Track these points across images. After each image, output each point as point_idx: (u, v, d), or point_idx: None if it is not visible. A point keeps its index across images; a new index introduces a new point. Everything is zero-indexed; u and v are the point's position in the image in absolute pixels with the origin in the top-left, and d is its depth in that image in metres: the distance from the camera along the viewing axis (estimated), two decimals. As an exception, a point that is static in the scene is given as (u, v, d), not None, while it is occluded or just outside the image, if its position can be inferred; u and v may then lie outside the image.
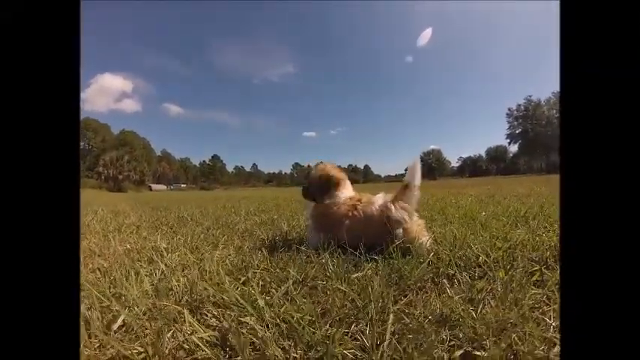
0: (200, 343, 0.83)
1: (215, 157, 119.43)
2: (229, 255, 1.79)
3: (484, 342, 0.81)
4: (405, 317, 0.96)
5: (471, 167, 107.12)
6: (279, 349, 0.81)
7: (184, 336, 0.89)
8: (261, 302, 1.03)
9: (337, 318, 0.97)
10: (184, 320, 0.95)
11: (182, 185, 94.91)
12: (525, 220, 2.60)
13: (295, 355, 0.80)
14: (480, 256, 1.49)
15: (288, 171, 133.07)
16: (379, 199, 1.81)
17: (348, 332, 0.90)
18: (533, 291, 1.10)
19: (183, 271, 1.49)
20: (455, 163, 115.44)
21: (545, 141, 74.97)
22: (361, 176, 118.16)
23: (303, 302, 1.05)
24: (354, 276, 1.30)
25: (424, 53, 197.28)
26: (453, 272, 1.32)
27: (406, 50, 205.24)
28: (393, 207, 1.71)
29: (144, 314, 1.02)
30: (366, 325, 0.91)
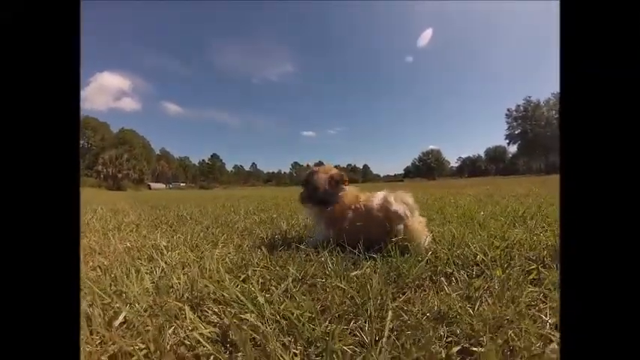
0: (201, 339, 0.84)
1: (214, 156, 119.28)
2: (229, 253, 1.80)
3: (481, 338, 0.82)
4: (403, 314, 0.97)
5: (470, 167, 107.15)
6: (280, 345, 0.82)
7: (185, 332, 0.90)
8: (261, 299, 1.04)
9: (336, 315, 0.98)
10: (185, 317, 0.96)
11: (181, 184, 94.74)
12: (523, 219, 2.61)
13: (295, 350, 0.82)
14: (477, 254, 1.50)
15: (287, 170, 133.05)
16: (381, 195, 1.83)
17: (347, 329, 0.91)
18: (530, 289, 1.11)
19: (183, 268, 1.50)
20: (454, 163, 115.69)
21: (544, 142, 75.09)
22: (360, 176, 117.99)
23: (303, 299, 1.06)
24: (353, 274, 1.31)
25: (424, 54, 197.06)
26: (451, 271, 1.34)
27: (406, 51, 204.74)
28: (394, 201, 1.73)
29: (145, 311, 1.03)
30: (365, 322, 0.92)
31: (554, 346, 0.78)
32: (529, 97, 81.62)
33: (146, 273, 1.40)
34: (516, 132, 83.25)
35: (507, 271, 1.27)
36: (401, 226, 1.69)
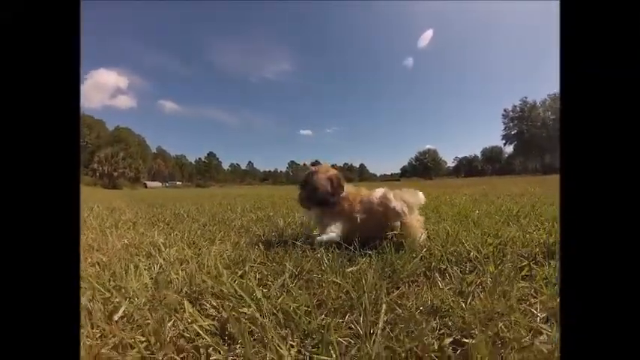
0: (200, 332, 0.86)
1: (211, 155, 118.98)
2: (226, 250, 1.82)
3: (472, 330, 0.85)
4: (397, 308, 0.99)
5: (467, 167, 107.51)
6: (277, 336, 0.84)
7: (185, 325, 0.92)
8: (258, 293, 1.06)
9: (332, 308, 1.00)
10: (184, 310, 0.98)
11: (177, 183, 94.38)
12: (517, 218, 2.65)
13: (292, 342, 0.84)
14: (471, 251, 1.53)
15: (284, 169, 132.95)
16: (380, 191, 1.87)
17: (342, 322, 0.93)
18: (522, 284, 1.14)
19: (181, 265, 1.52)
20: (451, 163, 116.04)
21: (540, 142, 75.61)
22: (357, 175, 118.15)
23: (300, 294, 1.09)
24: (349, 270, 1.33)
25: (425, 54, 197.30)
26: (444, 267, 1.36)
27: (406, 52, 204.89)
28: (392, 198, 1.77)
29: (144, 305, 1.05)
30: (360, 315, 0.94)
31: (544, 338, 0.81)
32: (525, 97, 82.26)
33: (145, 269, 1.41)
34: (513, 132, 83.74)
35: (500, 267, 1.30)
36: (398, 223, 1.73)
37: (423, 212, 3.13)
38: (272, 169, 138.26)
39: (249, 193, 13.68)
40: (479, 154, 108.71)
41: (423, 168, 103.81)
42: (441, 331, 0.88)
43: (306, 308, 0.98)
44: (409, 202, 1.78)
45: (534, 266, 1.33)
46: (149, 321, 0.93)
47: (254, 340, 0.85)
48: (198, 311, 1.01)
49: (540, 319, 0.91)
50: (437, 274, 1.29)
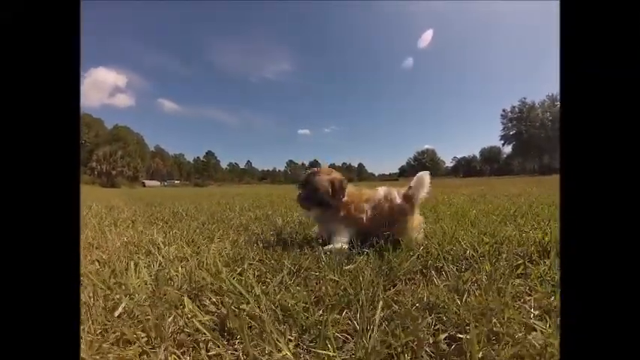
0: (201, 327, 0.88)
1: (209, 154, 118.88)
2: (225, 248, 1.83)
3: (467, 326, 0.87)
4: (393, 304, 1.01)
5: (465, 167, 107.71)
6: (276, 330, 0.86)
7: (185, 321, 0.93)
8: (257, 290, 1.08)
9: (330, 305, 1.02)
10: (184, 306, 1.00)
11: (176, 181, 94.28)
12: (514, 218, 2.67)
13: (290, 337, 0.85)
14: (467, 250, 1.55)
15: (282, 168, 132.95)
16: (384, 189, 1.89)
17: (340, 317, 0.95)
18: (517, 282, 1.16)
19: (181, 262, 1.53)
20: (449, 163, 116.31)
21: (538, 143, 75.78)
22: (355, 174, 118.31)
23: (297, 290, 1.10)
24: (347, 267, 1.35)
25: (425, 55, 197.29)
26: (441, 265, 1.38)
27: (407, 52, 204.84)
28: (397, 196, 1.81)
29: (144, 301, 1.06)
30: (357, 311, 0.96)
31: (538, 334, 0.83)
32: (524, 98, 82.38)
33: (144, 266, 1.43)
34: (511, 133, 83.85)
35: (495, 265, 1.32)
36: (402, 220, 1.78)
37: (420, 212, 3.16)
38: (270, 169, 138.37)
39: (247, 192, 13.67)
40: (477, 155, 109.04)
41: (422, 168, 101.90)
42: (436, 327, 0.89)
43: (304, 304, 1.00)
44: (412, 200, 1.82)
45: (529, 264, 1.35)
46: (149, 317, 0.94)
47: (253, 334, 0.86)
48: (198, 307, 1.02)
49: (534, 316, 0.93)
50: (433, 272, 1.31)
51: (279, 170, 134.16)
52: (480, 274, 1.25)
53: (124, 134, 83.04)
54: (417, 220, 1.86)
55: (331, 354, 0.77)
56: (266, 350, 0.78)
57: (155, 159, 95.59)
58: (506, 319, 0.89)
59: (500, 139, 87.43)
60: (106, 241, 2.09)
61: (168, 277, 1.29)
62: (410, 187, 1.83)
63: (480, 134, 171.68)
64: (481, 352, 0.75)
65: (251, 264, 1.46)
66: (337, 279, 1.20)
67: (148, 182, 75.37)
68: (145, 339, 0.87)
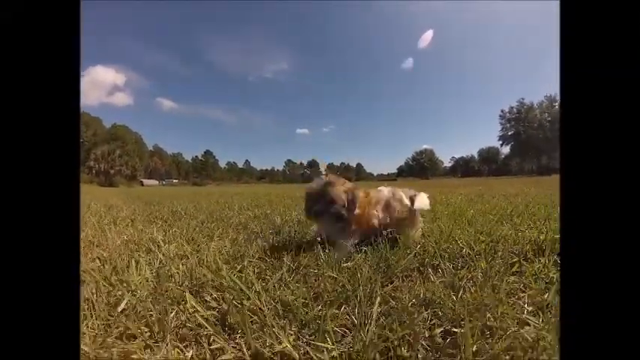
0: (202, 321, 0.90)
1: (207, 153, 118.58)
2: (225, 246, 1.85)
3: (462, 321, 0.89)
4: (390, 300, 1.04)
5: (464, 167, 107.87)
6: (276, 324, 0.88)
7: (187, 315, 0.95)
8: (257, 286, 1.10)
9: (328, 300, 1.04)
10: (186, 302, 1.02)
11: (174, 180, 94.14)
12: (510, 217, 2.70)
13: (290, 331, 0.88)
14: (463, 248, 1.58)
15: (281, 168, 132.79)
16: (387, 189, 1.93)
17: (338, 312, 0.97)
18: (512, 279, 1.19)
19: (181, 260, 1.55)
20: (447, 163, 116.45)
21: (536, 144, 76.00)
22: (354, 174, 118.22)
23: (297, 287, 1.13)
24: (345, 265, 1.38)
25: (425, 55, 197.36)
26: (437, 263, 1.40)
27: (406, 52, 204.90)
28: (404, 195, 1.87)
29: (147, 298, 1.08)
30: (355, 307, 0.98)
31: (531, 328, 0.85)
32: (522, 99, 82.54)
33: (145, 264, 1.44)
34: (509, 133, 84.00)
35: (490, 263, 1.34)
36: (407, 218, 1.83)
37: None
38: (269, 168, 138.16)
39: (246, 191, 13.68)
40: (476, 155, 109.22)
41: (420, 168, 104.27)
42: (432, 322, 0.92)
43: (303, 300, 1.02)
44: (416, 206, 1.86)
45: (524, 262, 1.38)
46: (152, 312, 0.97)
47: (254, 328, 0.88)
48: (200, 303, 1.04)
49: (528, 312, 0.96)
50: (430, 270, 1.33)
51: (277, 170, 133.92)
52: (476, 271, 1.27)
53: (123, 133, 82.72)
54: (418, 221, 1.92)
55: (330, 347, 0.79)
56: (267, 343, 0.81)
57: (153, 158, 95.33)
58: (500, 314, 0.91)
59: (499, 140, 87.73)
60: (106, 240, 2.10)
61: (169, 274, 1.31)
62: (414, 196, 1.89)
63: (479, 135, 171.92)
64: (475, 346, 0.78)
65: (251, 261, 1.48)
66: (336, 276, 1.23)
67: (146, 181, 75.23)
68: (148, 333, 0.89)
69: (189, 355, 0.80)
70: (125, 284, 1.20)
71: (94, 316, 0.97)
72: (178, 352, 0.81)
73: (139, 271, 1.34)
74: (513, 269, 1.31)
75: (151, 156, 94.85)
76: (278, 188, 17.52)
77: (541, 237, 1.73)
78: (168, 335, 0.86)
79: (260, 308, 0.97)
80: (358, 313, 0.93)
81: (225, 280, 1.16)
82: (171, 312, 0.97)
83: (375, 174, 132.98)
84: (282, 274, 1.25)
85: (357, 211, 1.73)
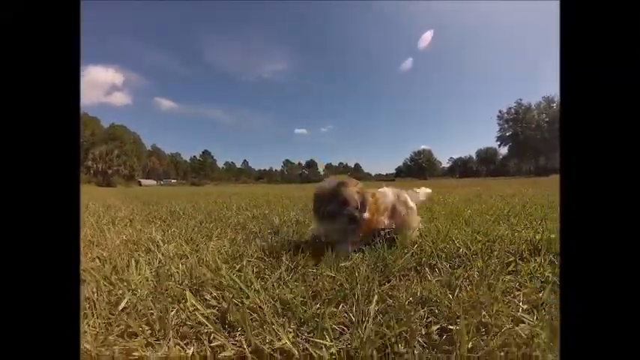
0: (203, 320, 0.91)
1: (206, 153, 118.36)
2: (224, 246, 1.86)
3: (458, 319, 0.91)
4: (388, 298, 1.05)
5: (462, 168, 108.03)
6: (275, 322, 0.90)
7: (187, 314, 0.97)
8: (256, 285, 1.11)
9: (327, 299, 1.06)
10: (186, 301, 1.03)
11: (172, 180, 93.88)
12: (507, 217, 2.72)
13: (289, 329, 0.89)
14: (460, 248, 1.60)
15: (279, 168, 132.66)
16: (390, 190, 1.96)
17: (336, 310, 0.99)
18: (507, 278, 1.20)
19: (180, 259, 1.56)
20: (445, 163, 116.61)
21: (534, 144, 76.31)
22: (352, 174, 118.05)
23: (295, 286, 1.14)
24: (343, 264, 1.39)
25: (424, 55, 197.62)
26: (434, 262, 1.42)
27: (406, 52, 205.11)
28: (408, 198, 1.91)
29: (147, 296, 1.09)
30: (353, 305, 1.00)
31: (526, 325, 0.87)
32: (520, 99, 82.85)
33: (145, 263, 1.46)
34: (507, 134, 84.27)
35: (486, 262, 1.36)
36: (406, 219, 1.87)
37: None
38: (267, 168, 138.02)
39: (244, 191, 13.67)
40: (474, 155, 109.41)
41: (418, 168, 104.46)
42: (429, 319, 0.93)
43: (302, 299, 1.04)
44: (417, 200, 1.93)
45: (520, 262, 1.40)
46: (152, 310, 0.98)
47: (254, 325, 0.90)
48: (199, 301, 1.06)
49: (523, 310, 0.97)
50: (427, 269, 1.35)
51: (275, 170, 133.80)
52: (472, 270, 1.29)
53: (121, 133, 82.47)
54: (416, 221, 1.96)
55: (328, 344, 0.81)
56: (267, 339, 0.82)
57: (151, 158, 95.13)
58: (495, 311, 0.93)
59: (497, 141, 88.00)
60: (105, 239, 2.11)
61: (169, 273, 1.32)
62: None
63: (477, 135, 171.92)
64: (470, 343, 0.80)
65: (250, 261, 1.50)
66: (334, 275, 1.24)
67: (144, 181, 74.98)
68: (149, 331, 0.90)
69: (190, 352, 0.81)
70: (125, 283, 1.21)
71: (95, 314, 0.98)
72: (179, 350, 0.82)
73: (139, 271, 1.35)
74: (509, 268, 1.33)
75: (149, 156, 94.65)
76: (276, 188, 17.54)
77: (537, 237, 1.75)
78: (170, 332, 0.88)
79: (259, 306, 0.98)
80: (356, 311, 0.95)
81: (225, 279, 1.18)
82: (172, 310, 0.98)
83: (373, 174, 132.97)
84: (280, 273, 1.26)
85: (366, 214, 1.70)
